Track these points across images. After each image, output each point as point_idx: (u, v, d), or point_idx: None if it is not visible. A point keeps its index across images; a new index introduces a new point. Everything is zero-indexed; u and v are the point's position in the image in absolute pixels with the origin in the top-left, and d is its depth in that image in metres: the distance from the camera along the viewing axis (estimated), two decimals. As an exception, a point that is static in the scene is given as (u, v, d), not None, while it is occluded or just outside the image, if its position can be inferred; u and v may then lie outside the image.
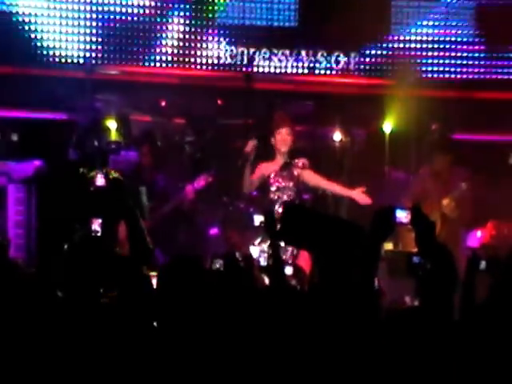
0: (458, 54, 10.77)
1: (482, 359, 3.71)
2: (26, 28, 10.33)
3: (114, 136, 9.46)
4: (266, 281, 5.36)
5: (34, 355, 3.73)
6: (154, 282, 4.10)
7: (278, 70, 10.73)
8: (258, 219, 6.66)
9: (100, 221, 4.89)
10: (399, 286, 7.07)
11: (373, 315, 3.68)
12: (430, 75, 10.75)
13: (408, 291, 6.51)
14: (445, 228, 7.67)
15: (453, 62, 10.78)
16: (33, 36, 10.35)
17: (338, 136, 10.03)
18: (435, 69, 10.78)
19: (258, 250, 6.84)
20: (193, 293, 3.77)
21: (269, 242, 6.23)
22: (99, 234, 4.93)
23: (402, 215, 3.92)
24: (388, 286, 7.35)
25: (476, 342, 3.75)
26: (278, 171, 7.42)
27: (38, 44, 10.37)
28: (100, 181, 5.10)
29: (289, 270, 6.49)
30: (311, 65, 10.75)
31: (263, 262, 6.49)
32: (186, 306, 3.75)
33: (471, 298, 4.09)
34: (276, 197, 7.40)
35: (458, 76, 10.75)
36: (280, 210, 7.03)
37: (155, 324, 3.81)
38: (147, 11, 10.58)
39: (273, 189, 7.41)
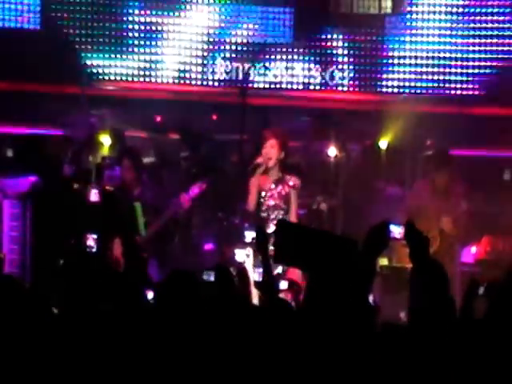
0: (453, 70, 10.80)
1: (475, 375, 3.71)
2: (23, 44, 10.35)
3: (108, 151, 9.47)
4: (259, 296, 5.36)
5: (28, 369, 3.72)
6: (150, 296, 4.09)
7: (272, 86, 10.76)
8: (250, 235, 6.66)
9: (95, 236, 4.89)
10: (394, 302, 7.07)
11: (368, 331, 3.67)
12: (425, 90, 10.77)
13: (403, 306, 6.50)
14: (442, 244, 7.67)
15: (448, 77, 10.80)
16: (28, 52, 10.37)
17: (333, 151, 10.04)
18: (430, 84, 10.80)
19: (244, 254, 6.81)
20: (188, 307, 3.76)
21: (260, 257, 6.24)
22: (94, 250, 4.92)
23: (396, 230, 3.93)
24: (383, 301, 7.35)
25: (470, 357, 3.74)
26: (270, 188, 7.40)
27: (35, 60, 10.38)
28: (94, 196, 5.09)
29: (283, 285, 6.48)
30: (306, 80, 10.77)
31: (257, 278, 6.48)
32: (182, 320, 3.75)
33: (470, 322, 4.08)
34: (266, 214, 7.38)
35: (453, 92, 10.78)
36: (270, 228, 7.04)
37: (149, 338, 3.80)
38: (142, 27, 10.61)
39: (264, 207, 7.39)
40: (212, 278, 4.47)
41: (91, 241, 4.89)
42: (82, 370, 3.72)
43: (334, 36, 10.75)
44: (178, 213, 8.13)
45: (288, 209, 7.40)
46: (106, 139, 9.49)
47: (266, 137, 7.41)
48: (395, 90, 10.73)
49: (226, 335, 3.82)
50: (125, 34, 10.57)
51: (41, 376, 3.71)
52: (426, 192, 7.89)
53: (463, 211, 7.74)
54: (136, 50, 10.61)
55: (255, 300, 5.53)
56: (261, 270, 6.49)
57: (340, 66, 10.75)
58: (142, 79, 10.60)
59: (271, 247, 4.36)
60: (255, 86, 10.64)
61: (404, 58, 10.82)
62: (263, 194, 7.38)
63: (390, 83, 10.78)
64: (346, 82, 10.77)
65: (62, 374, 3.71)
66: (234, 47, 10.71)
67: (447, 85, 10.78)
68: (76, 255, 4.41)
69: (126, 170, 8.08)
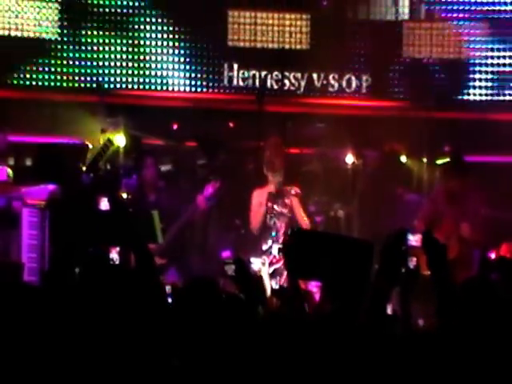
0: (471, 76, 10.76)
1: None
2: (39, 53, 10.41)
3: (125, 160, 9.48)
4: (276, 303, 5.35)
5: (45, 378, 3.73)
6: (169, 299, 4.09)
7: (289, 93, 10.76)
8: (277, 248, 6.69)
9: (118, 249, 4.87)
10: (413, 309, 7.03)
11: (386, 341, 3.66)
12: (443, 96, 10.74)
13: (422, 314, 6.47)
14: (461, 251, 7.63)
15: (465, 83, 10.77)
16: (46, 61, 10.43)
17: (350, 158, 10.03)
18: (448, 90, 10.77)
19: (260, 263, 6.85)
20: (208, 316, 3.76)
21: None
22: (117, 262, 4.90)
23: (414, 238, 3.91)
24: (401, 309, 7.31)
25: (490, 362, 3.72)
26: (271, 198, 7.44)
27: (52, 69, 10.44)
28: (104, 205, 5.07)
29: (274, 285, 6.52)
30: (323, 87, 10.76)
31: (275, 285, 6.48)
32: (201, 328, 3.75)
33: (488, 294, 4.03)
34: (272, 223, 7.40)
35: (471, 97, 10.74)
36: (279, 238, 7.07)
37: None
38: (159, 35, 10.65)
39: (268, 216, 7.41)
40: (231, 271, 4.46)
41: (114, 253, 4.87)
42: (96, 377, 3.73)
43: (351, 43, 10.74)
44: (195, 216, 8.14)
45: (293, 216, 7.45)
46: (121, 144, 9.49)
47: (266, 147, 7.48)
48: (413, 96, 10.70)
49: (242, 346, 3.82)
50: (141, 42, 10.61)
51: (56, 378, 3.72)
52: (444, 199, 7.85)
53: (481, 218, 7.70)
54: (153, 58, 10.64)
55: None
56: (277, 278, 6.50)
57: (357, 73, 10.74)
58: (159, 87, 10.63)
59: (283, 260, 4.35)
60: (272, 93, 10.65)
61: (421, 63, 10.80)
62: (269, 203, 7.42)
63: (407, 90, 10.75)
64: (363, 88, 10.76)
65: (77, 378, 3.72)
66: (251, 54, 10.73)
67: (465, 90, 10.74)
68: (94, 264, 4.41)
69: (148, 168, 8.13)
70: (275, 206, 7.43)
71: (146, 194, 8.20)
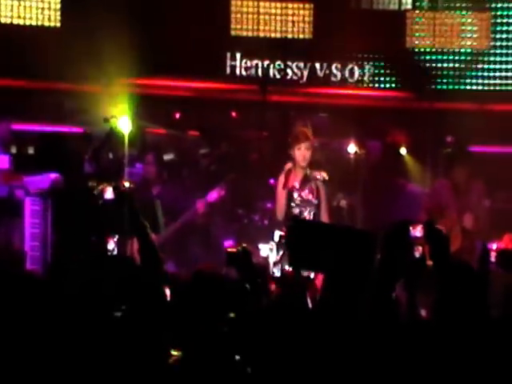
0: (475, 66, 10.75)
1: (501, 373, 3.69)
2: (41, 42, 10.39)
3: (129, 149, 9.47)
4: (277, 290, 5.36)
5: (46, 367, 3.74)
6: (167, 293, 4.09)
7: (292, 83, 10.74)
8: (278, 234, 6.67)
9: (115, 239, 4.88)
10: (416, 299, 7.03)
11: (390, 330, 3.67)
12: (445, 87, 10.73)
13: (424, 305, 6.49)
14: (464, 242, 7.63)
15: (469, 73, 10.75)
16: (48, 51, 10.41)
17: (352, 148, 10.01)
18: (451, 81, 10.76)
19: (268, 249, 6.81)
20: (212, 307, 3.77)
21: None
22: (115, 253, 4.91)
23: (417, 230, 3.92)
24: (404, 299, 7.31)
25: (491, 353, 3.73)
26: (300, 185, 7.35)
27: (54, 59, 10.42)
28: (110, 194, 5.07)
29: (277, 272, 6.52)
30: (326, 77, 10.75)
31: (277, 273, 6.48)
32: (204, 320, 3.76)
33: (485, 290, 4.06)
34: (298, 211, 7.33)
35: (475, 87, 10.73)
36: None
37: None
38: (162, 24, 10.62)
39: (294, 203, 7.34)
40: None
41: (112, 243, 4.88)
42: (96, 370, 3.73)
43: (354, 33, 10.72)
44: (194, 218, 8.11)
45: (319, 203, 7.37)
46: (126, 136, 9.49)
47: (299, 138, 7.38)
48: (416, 87, 10.69)
49: (245, 336, 3.83)
50: (144, 31, 10.59)
51: (56, 370, 3.73)
52: (447, 190, 7.85)
53: (484, 208, 7.70)
54: (155, 47, 10.63)
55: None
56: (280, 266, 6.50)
57: (360, 63, 10.72)
58: (161, 76, 10.61)
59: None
60: (274, 82, 10.63)
61: (425, 53, 10.78)
62: (294, 190, 7.34)
63: (410, 80, 10.74)
64: (365, 78, 10.74)
65: (76, 369, 3.73)
66: (253, 44, 10.71)
67: (468, 80, 10.73)
68: (95, 255, 4.42)
69: (148, 165, 8.13)
70: (302, 194, 7.36)
71: (149, 186, 8.20)
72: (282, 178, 7.32)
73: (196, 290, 3.80)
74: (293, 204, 7.31)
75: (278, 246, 6.81)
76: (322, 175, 7.34)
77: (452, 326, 3.70)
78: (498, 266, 4.22)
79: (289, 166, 7.33)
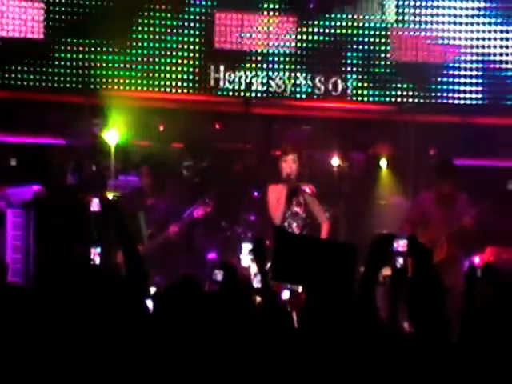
0: (456, 80, 10.80)
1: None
2: (26, 53, 10.38)
3: (111, 161, 9.47)
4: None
5: (30, 373, 3.73)
6: (150, 305, 4.08)
7: (275, 95, 10.76)
8: (247, 247, 6.65)
9: (98, 250, 4.87)
10: (399, 312, 7.04)
11: (373, 343, 3.67)
12: (428, 100, 10.77)
13: (406, 317, 6.49)
14: (449, 253, 7.64)
15: (450, 87, 10.80)
16: (31, 61, 10.39)
17: (336, 161, 10.04)
18: (433, 94, 10.80)
19: (250, 259, 6.78)
20: (191, 317, 3.76)
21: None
22: (98, 263, 4.90)
23: (400, 244, 3.91)
24: (385, 311, 7.32)
25: (475, 363, 3.73)
26: (287, 197, 7.31)
27: (37, 69, 10.40)
28: (95, 206, 5.07)
29: (286, 294, 6.46)
30: (309, 89, 10.78)
31: (256, 284, 6.45)
32: (184, 329, 3.74)
33: (473, 308, 4.07)
34: (286, 224, 7.30)
35: (457, 101, 10.77)
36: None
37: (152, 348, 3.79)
38: (146, 36, 10.63)
39: (284, 216, 7.30)
40: (220, 277, 4.44)
41: (96, 255, 4.87)
42: (82, 379, 3.72)
43: (338, 46, 10.76)
44: (170, 239, 8.02)
45: (307, 217, 7.33)
46: (108, 148, 9.48)
47: (286, 150, 7.36)
48: (399, 100, 10.73)
49: (228, 343, 3.81)
50: (127, 43, 10.59)
51: (41, 380, 3.72)
52: (431, 202, 7.86)
53: (468, 221, 7.71)
54: (139, 59, 10.62)
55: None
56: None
57: (343, 76, 10.76)
58: (145, 88, 10.61)
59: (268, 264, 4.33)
60: (258, 95, 10.65)
61: (407, 66, 10.82)
62: (282, 203, 7.30)
63: (393, 93, 10.78)
64: (349, 91, 10.78)
65: (62, 380, 3.71)
66: (237, 56, 10.72)
67: (450, 94, 10.78)
68: (79, 266, 4.40)
69: (143, 176, 8.14)
70: (289, 206, 7.33)
71: (142, 197, 8.21)
72: (272, 195, 7.31)
73: (172, 300, 3.78)
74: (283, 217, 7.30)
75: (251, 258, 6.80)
76: (310, 188, 7.32)
77: (435, 339, 3.71)
78: (484, 280, 4.23)
79: (273, 181, 7.33)
